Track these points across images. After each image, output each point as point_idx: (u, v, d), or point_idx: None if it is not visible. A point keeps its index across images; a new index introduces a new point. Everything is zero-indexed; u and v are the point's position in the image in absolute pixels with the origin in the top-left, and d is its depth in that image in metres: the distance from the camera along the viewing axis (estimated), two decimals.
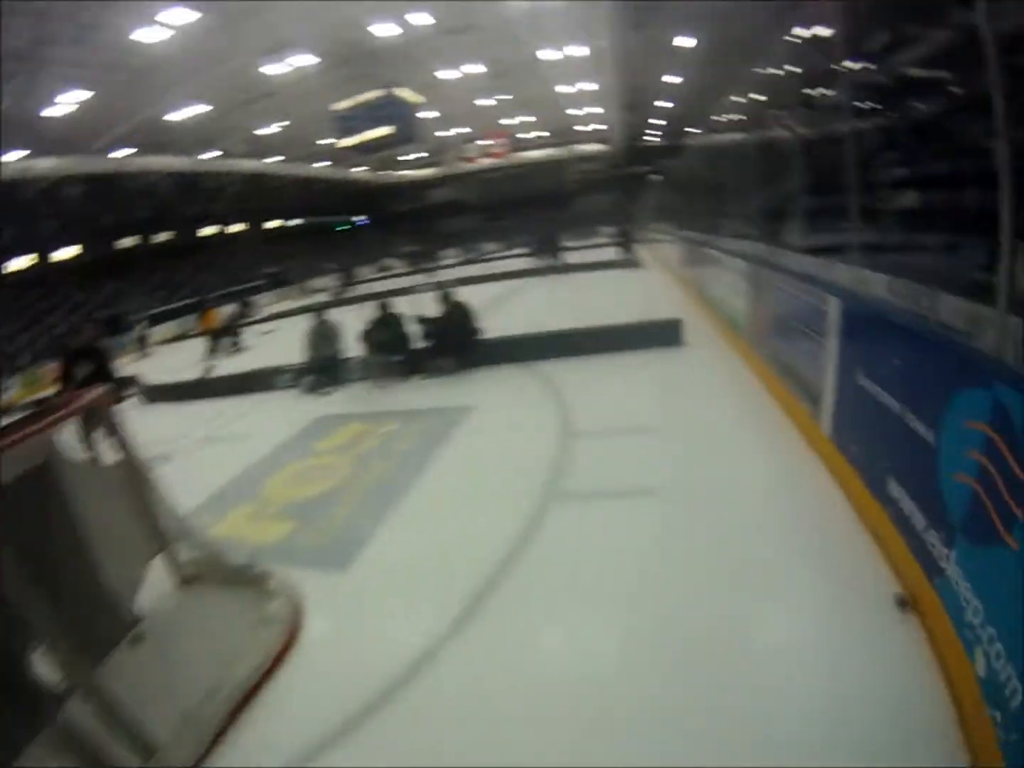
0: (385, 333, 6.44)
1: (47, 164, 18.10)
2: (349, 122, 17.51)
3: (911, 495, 2.09)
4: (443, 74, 21.71)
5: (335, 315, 7.25)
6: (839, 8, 3.81)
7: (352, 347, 6.76)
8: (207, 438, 5.87)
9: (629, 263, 14.77)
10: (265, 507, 3.89)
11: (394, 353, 6.42)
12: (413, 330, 6.53)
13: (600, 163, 35.22)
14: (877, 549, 2.39)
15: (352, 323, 6.83)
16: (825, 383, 3.15)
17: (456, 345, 6.26)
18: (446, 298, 6.50)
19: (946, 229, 3.03)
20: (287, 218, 31.44)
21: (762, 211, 6.23)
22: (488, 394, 5.61)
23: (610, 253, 16.55)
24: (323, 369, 6.70)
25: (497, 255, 22.90)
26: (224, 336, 11.35)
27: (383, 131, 16.68)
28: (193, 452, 5.45)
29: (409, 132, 17.43)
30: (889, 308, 2.82)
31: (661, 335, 6.18)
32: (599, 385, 5.34)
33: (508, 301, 11.53)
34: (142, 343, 16.40)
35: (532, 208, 33.71)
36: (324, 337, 6.84)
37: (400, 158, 34.92)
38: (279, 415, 6.11)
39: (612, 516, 3.07)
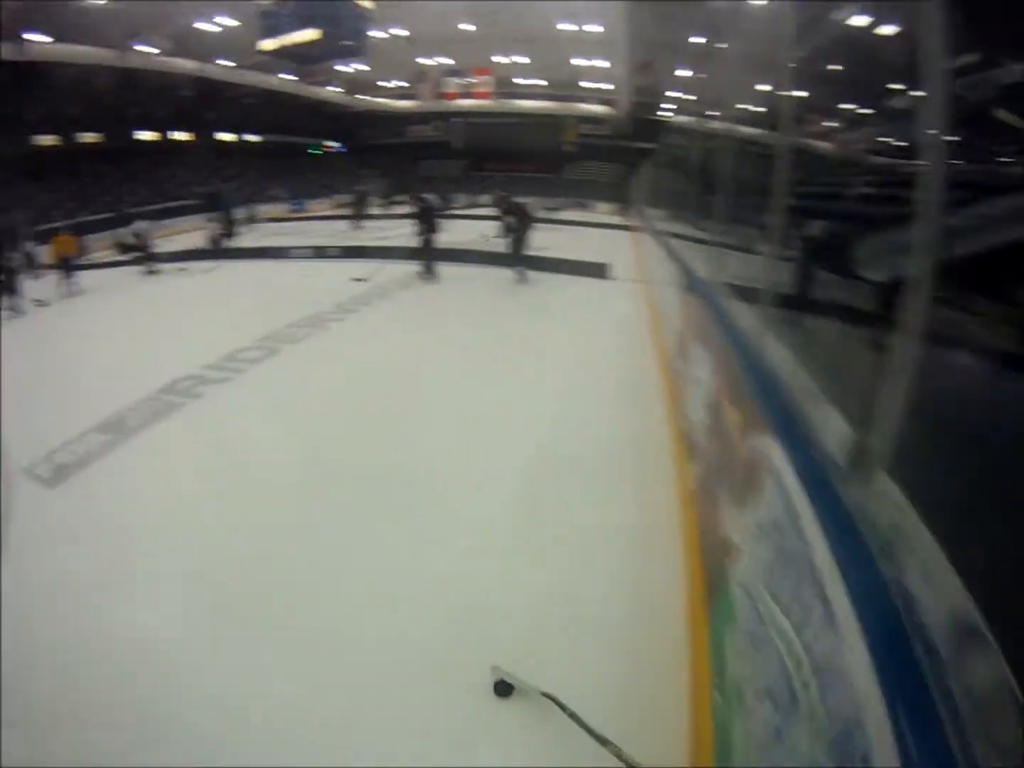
0: None
1: None
2: (271, 19, 14.00)
3: None
4: None
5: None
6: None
7: None
8: None
9: (595, 269, 9.03)
10: None
11: None
12: None
13: (606, 128, 30.67)
14: None
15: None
16: None
17: None
18: None
19: None
20: (241, 132, 28.07)
21: None
22: None
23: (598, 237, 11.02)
24: None
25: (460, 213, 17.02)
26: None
27: (307, 35, 13.38)
28: None
29: (353, 44, 14.27)
30: None
31: None
32: None
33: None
34: (30, 263, 13.82)
35: (522, 165, 30.77)
36: None
37: (380, 83, 31.24)
38: None
39: None
